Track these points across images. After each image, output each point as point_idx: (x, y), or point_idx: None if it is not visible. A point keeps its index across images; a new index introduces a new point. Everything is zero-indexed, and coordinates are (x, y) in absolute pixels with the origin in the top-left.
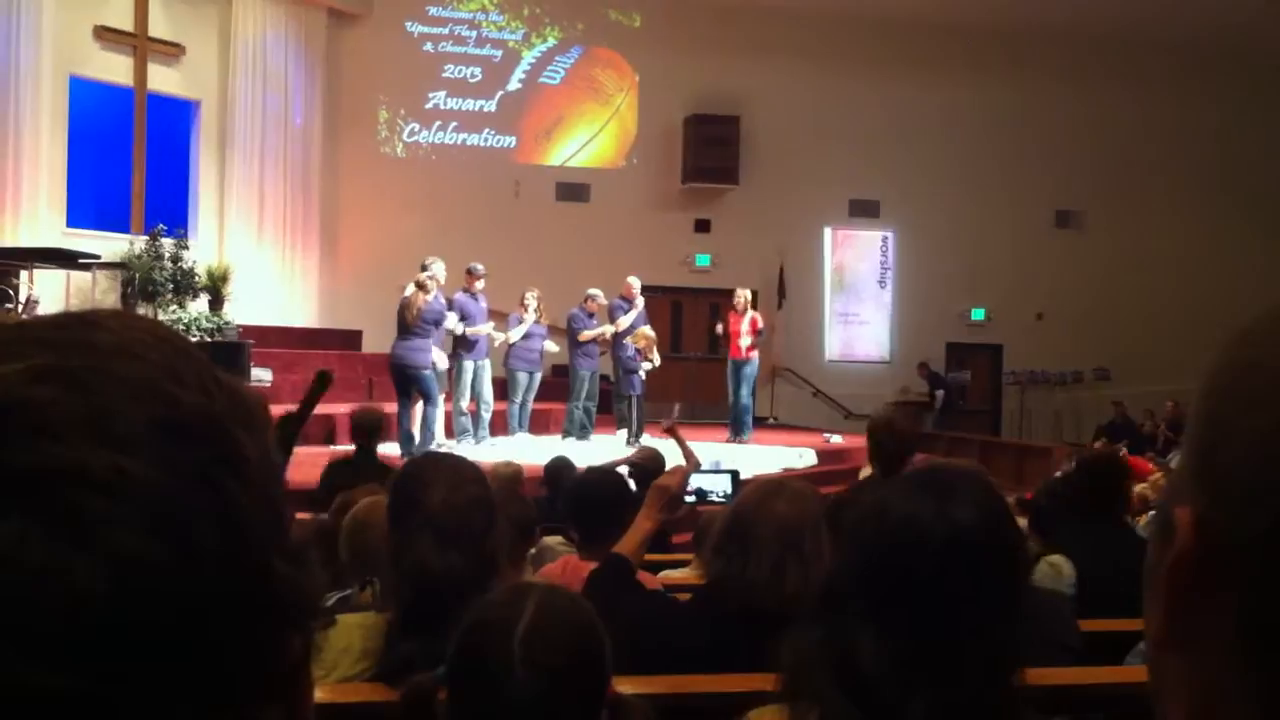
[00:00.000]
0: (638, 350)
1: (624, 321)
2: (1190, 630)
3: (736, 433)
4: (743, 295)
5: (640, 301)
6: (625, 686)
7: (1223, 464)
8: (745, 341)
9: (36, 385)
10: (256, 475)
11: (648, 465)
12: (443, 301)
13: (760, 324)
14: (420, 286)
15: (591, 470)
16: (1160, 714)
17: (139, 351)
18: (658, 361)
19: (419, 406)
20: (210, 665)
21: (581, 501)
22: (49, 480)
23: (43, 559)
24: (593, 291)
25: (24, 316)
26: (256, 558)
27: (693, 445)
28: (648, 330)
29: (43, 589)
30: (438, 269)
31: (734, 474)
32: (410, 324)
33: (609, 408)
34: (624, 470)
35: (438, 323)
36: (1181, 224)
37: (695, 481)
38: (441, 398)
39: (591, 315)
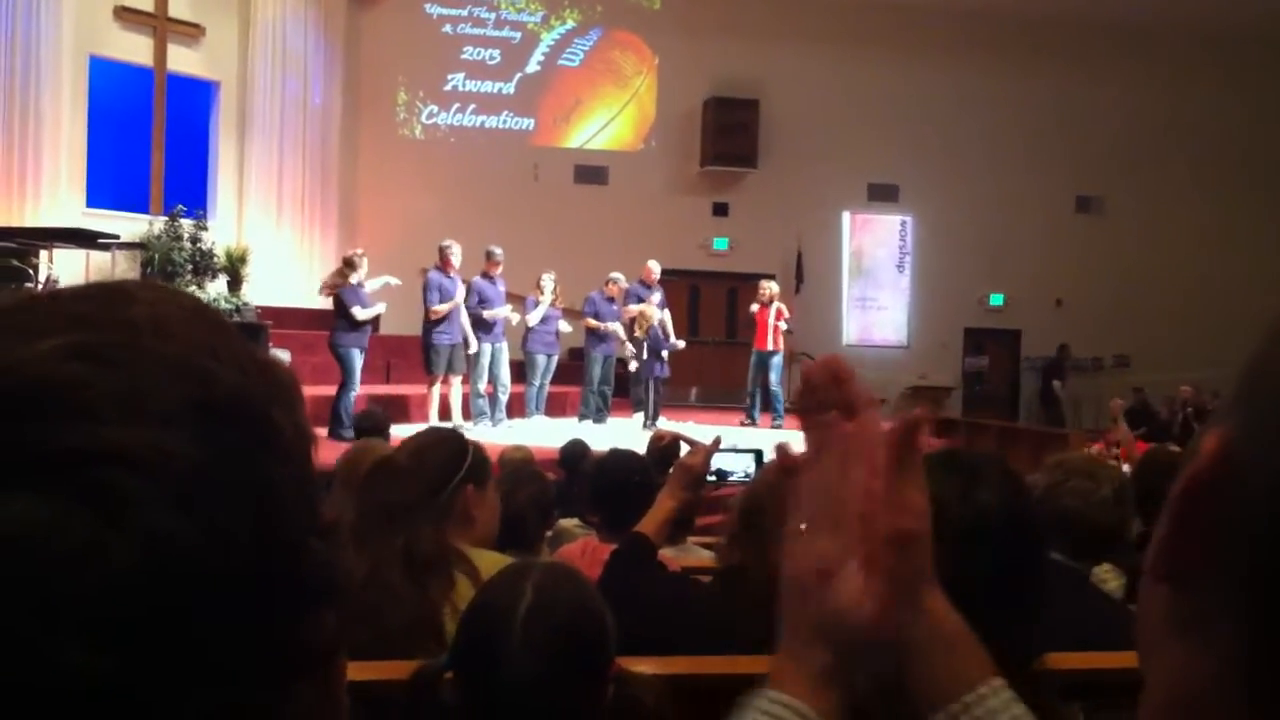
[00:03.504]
0: (651, 326)
1: (633, 311)
2: (1189, 559)
3: (752, 419)
4: (768, 288)
5: (658, 292)
6: (643, 667)
7: (1266, 392)
8: (771, 335)
9: (71, 363)
10: (292, 454)
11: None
12: (451, 280)
13: (786, 315)
14: (347, 264)
15: (615, 452)
16: (1142, 642)
17: (174, 328)
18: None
19: (450, 386)
20: (245, 644)
21: (605, 483)
22: (86, 460)
23: (79, 539)
24: (614, 275)
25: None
26: (291, 537)
27: (710, 429)
28: (646, 309)
29: (79, 569)
30: (455, 251)
31: (757, 454)
32: (335, 305)
33: (626, 391)
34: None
35: (343, 306)
36: (1203, 211)
37: (716, 462)
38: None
39: (611, 300)
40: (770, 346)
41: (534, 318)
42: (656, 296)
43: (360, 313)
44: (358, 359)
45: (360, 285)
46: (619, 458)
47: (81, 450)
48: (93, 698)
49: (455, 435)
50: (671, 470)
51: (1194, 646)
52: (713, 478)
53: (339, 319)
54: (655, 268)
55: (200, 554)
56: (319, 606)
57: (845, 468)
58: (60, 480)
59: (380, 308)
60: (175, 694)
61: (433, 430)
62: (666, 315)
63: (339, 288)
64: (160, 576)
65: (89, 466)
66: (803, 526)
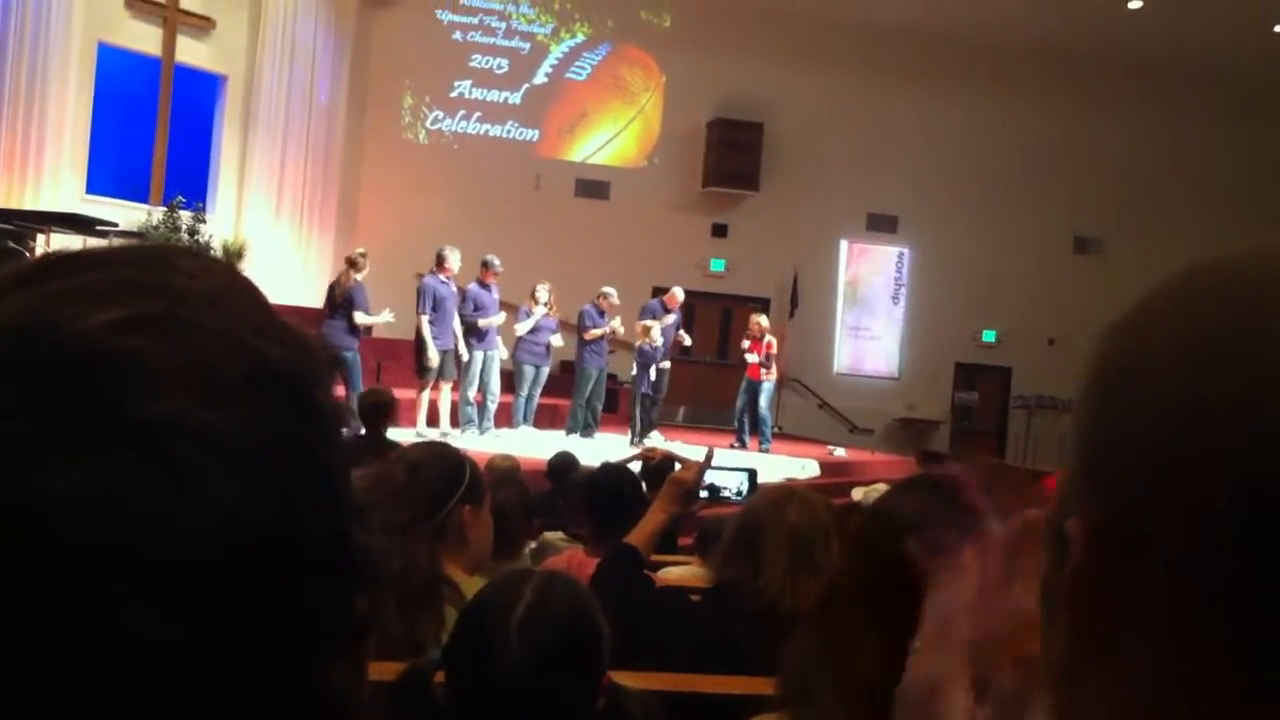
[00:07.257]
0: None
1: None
2: (1104, 641)
3: (741, 443)
4: (757, 322)
5: (674, 315)
6: (628, 682)
7: (1119, 465)
8: (755, 360)
9: (130, 335)
10: (333, 436)
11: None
12: (446, 285)
13: (774, 348)
14: (351, 264)
15: (606, 465)
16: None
17: (221, 301)
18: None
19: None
20: (296, 619)
21: (597, 494)
22: (146, 431)
23: (147, 504)
24: (607, 289)
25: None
26: (341, 516)
27: (698, 451)
28: (647, 321)
29: (149, 534)
30: (453, 258)
31: (751, 473)
32: (336, 303)
33: (614, 407)
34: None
35: (350, 306)
36: (1202, 257)
37: (709, 478)
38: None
39: (603, 313)
40: (761, 376)
41: (523, 327)
42: (671, 318)
43: (361, 317)
44: (357, 361)
45: (362, 286)
46: (611, 470)
47: (141, 421)
48: (156, 666)
49: (452, 452)
50: (664, 484)
51: (1145, 698)
52: (705, 494)
53: (337, 319)
54: (679, 294)
55: (264, 527)
56: (358, 588)
57: (971, 586)
58: (121, 450)
59: (378, 319)
60: (228, 664)
61: (429, 444)
62: (683, 334)
63: (349, 288)
64: (226, 547)
65: (150, 437)
66: (917, 643)
